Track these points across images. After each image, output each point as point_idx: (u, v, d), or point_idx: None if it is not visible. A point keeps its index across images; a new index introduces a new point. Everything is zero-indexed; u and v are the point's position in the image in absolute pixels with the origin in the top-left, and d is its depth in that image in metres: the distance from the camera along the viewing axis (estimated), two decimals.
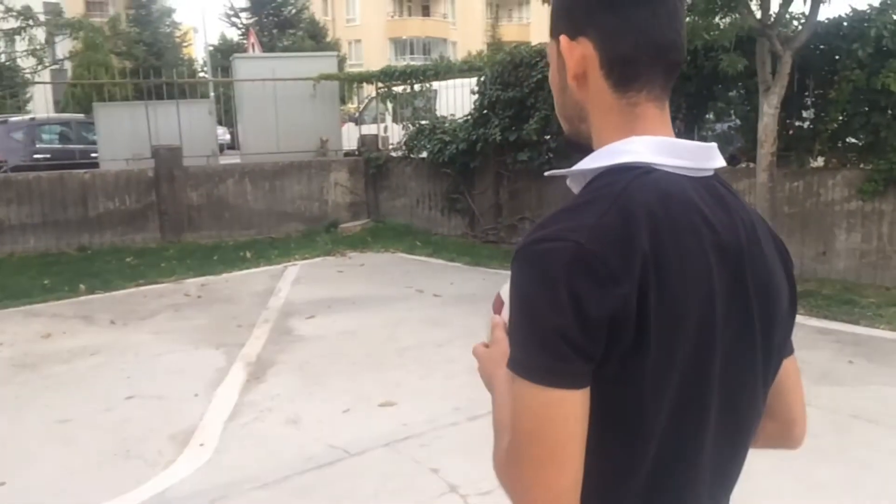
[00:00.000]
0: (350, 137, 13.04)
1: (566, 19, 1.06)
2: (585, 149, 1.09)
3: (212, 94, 18.04)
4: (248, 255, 9.91)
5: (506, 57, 10.00)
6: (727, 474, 1.08)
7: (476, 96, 10.28)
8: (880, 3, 6.78)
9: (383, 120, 13.28)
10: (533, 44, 11.32)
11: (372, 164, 12.03)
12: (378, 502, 3.43)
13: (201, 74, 34.05)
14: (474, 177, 10.50)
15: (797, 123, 7.56)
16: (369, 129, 13.08)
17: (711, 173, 1.04)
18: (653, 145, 1.01)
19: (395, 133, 12.28)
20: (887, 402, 4.41)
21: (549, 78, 1.15)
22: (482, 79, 10.26)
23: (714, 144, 1.05)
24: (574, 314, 0.88)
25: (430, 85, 11.80)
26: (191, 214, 11.22)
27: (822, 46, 7.08)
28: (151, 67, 20.51)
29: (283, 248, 10.39)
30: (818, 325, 5.83)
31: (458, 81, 11.30)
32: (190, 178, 11.18)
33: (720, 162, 1.05)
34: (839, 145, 7.34)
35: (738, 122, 7.81)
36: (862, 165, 7.10)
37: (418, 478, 3.67)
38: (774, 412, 1.15)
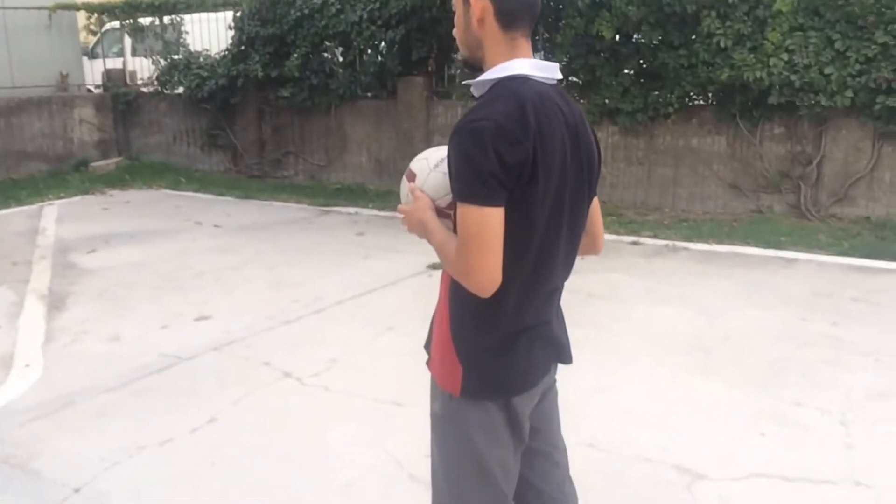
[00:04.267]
0: (93, 72, 12.32)
1: None
2: (479, 68, 1.76)
3: None
4: None
5: None
6: (569, 262, 1.83)
7: (233, 31, 10.33)
8: None
9: (121, 54, 12.68)
10: None
11: (120, 101, 11.58)
12: (223, 392, 3.88)
13: None
14: (235, 113, 10.62)
15: None
16: (114, 63, 12.45)
17: (555, 82, 1.75)
18: (527, 64, 1.69)
19: (143, 68, 11.87)
20: (611, 284, 5.65)
21: (454, 20, 1.79)
22: (238, 14, 10.33)
23: (556, 64, 1.76)
24: (498, 162, 1.55)
25: (181, 18, 11.54)
26: None
27: None
28: None
29: (30, 188, 9.82)
30: None
31: (212, 15, 11.20)
32: None
33: (559, 75, 1.76)
34: (565, 83, 8.64)
35: None
36: (582, 101, 8.45)
37: (253, 370, 4.16)
38: (588, 230, 1.91)
